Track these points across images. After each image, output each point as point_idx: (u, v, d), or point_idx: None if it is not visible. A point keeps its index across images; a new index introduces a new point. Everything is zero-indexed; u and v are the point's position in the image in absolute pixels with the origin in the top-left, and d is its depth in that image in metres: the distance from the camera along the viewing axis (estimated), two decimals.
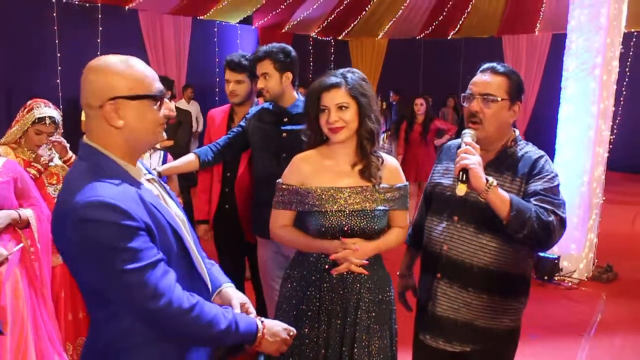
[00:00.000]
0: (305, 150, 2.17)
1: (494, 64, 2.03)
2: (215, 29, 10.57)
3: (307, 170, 2.10)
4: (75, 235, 1.30)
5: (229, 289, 1.70)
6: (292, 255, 2.28)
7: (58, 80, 7.80)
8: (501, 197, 1.81)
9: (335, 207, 2.04)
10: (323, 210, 2.05)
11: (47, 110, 2.83)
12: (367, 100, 2.04)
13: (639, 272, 5.39)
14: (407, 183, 2.21)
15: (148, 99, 1.41)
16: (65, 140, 2.91)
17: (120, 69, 1.39)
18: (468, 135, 1.93)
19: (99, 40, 8.29)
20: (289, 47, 2.83)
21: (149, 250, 1.34)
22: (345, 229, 2.04)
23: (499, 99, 1.97)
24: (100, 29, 8.33)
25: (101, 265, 1.32)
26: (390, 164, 2.17)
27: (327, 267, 2.05)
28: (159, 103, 1.44)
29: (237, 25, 11.07)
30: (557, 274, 5.03)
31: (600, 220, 5.47)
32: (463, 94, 2.05)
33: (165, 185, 1.66)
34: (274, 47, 2.77)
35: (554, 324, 4.19)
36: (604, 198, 5.50)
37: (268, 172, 2.70)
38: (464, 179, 1.79)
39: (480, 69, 2.06)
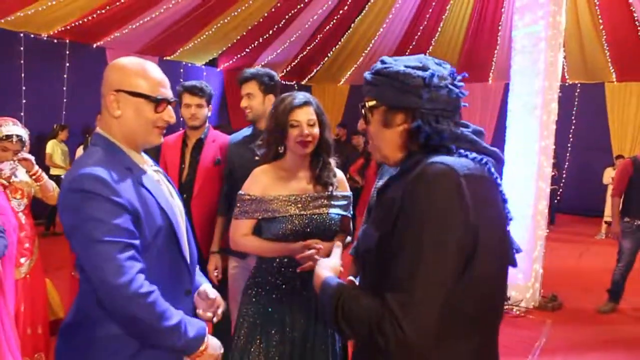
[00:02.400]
0: (261, 164, 2.34)
1: None
2: (182, 70, 10.83)
3: (267, 181, 2.25)
4: (67, 201, 1.47)
5: (206, 285, 1.85)
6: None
7: (22, 113, 7.85)
8: None
9: (298, 211, 2.21)
10: (287, 215, 2.20)
11: (14, 128, 2.95)
12: (325, 118, 2.29)
13: (583, 302, 5.68)
14: (351, 193, 2.43)
15: (147, 99, 1.57)
16: (31, 156, 3.02)
17: (130, 68, 1.59)
18: None
19: (65, 76, 8.42)
20: (274, 72, 3.02)
21: (126, 231, 1.45)
22: (308, 230, 2.20)
23: None
24: (68, 64, 8.47)
25: (81, 231, 1.44)
26: (339, 174, 2.39)
27: (298, 270, 2.15)
28: (158, 106, 1.59)
29: (203, 67, 11.36)
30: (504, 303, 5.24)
31: (549, 256, 5.77)
32: None
33: (169, 180, 1.81)
34: (260, 70, 2.97)
35: (500, 348, 4.36)
36: (548, 234, 5.81)
37: None
38: None
39: None
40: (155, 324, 1.47)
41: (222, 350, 1.69)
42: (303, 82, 13.82)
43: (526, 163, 5.31)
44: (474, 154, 1.29)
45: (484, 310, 1.28)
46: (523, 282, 5.36)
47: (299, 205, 2.22)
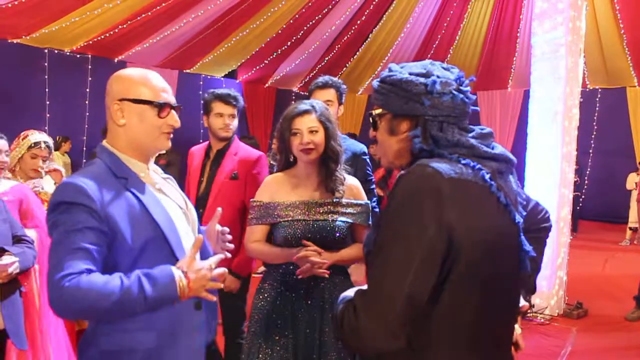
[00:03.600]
0: (275, 172, 2.42)
1: None
2: (201, 82, 10.92)
3: (275, 188, 2.33)
4: (49, 208, 1.54)
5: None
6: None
7: (46, 127, 8.01)
8: None
9: (301, 216, 2.25)
10: (289, 219, 2.25)
11: (41, 136, 3.13)
12: (332, 126, 2.30)
13: (609, 310, 5.59)
14: (369, 202, 2.43)
15: (150, 105, 1.63)
16: (62, 168, 3.12)
17: (132, 77, 1.65)
18: None
19: (87, 90, 8.58)
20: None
21: (87, 237, 1.46)
22: (310, 236, 2.22)
23: None
24: (90, 79, 8.63)
25: (54, 235, 1.51)
26: (352, 182, 2.40)
27: (296, 275, 2.18)
28: (162, 111, 1.64)
29: (222, 79, 11.45)
30: (529, 311, 5.20)
31: (573, 264, 5.70)
32: None
33: (175, 184, 1.85)
34: (335, 79, 3.02)
35: (526, 356, 4.33)
36: (571, 237, 5.74)
37: None
38: None
39: None
40: (102, 304, 1.42)
41: (213, 268, 1.58)
42: None
43: (549, 170, 5.27)
44: (467, 160, 1.29)
45: (487, 318, 1.27)
46: (547, 290, 5.30)
47: (303, 211, 2.26)
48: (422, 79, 1.32)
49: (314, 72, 12.42)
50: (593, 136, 10.90)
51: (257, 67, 11.39)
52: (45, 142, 3.08)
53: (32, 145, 3.03)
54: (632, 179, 9.23)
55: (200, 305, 1.68)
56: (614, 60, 10.21)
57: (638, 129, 10.75)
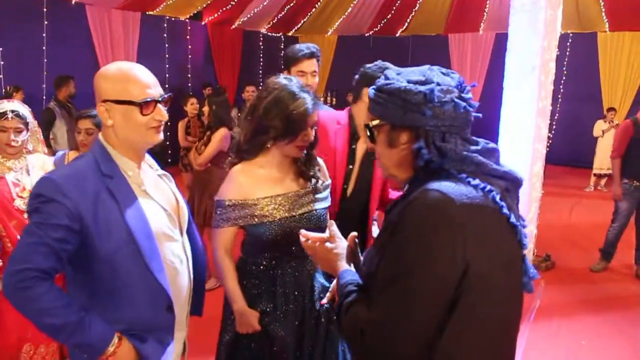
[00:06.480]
0: (235, 162, 2.15)
1: None
2: (165, 25, 10.46)
3: (246, 183, 2.07)
4: (29, 201, 1.57)
5: None
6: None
7: (1, 76, 7.59)
8: None
9: (286, 213, 2.06)
10: (274, 219, 2.04)
11: (7, 105, 2.55)
12: None
13: (575, 261, 5.79)
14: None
15: (132, 105, 1.61)
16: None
17: (112, 76, 1.62)
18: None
19: (44, 35, 8.10)
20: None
21: (57, 231, 1.49)
22: (297, 232, 2.00)
23: None
24: (46, 22, 8.13)
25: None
26: (321, 162, 2.27)
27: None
28: (145, 108, 1.61)
29: (187, 20, 10.97)
30: None
31: (541, 211, 5.82)
32: None
33: (170, 181, 1.85)
34: (315, 47, 2.90)
35: None
36: (543, 192, 5.83)
37: None
38: None
39: None
40: (37, 318, 1.52)
41: None
42: (290, 34, 13.48)
43: (523, 125, 5.25)
44: (477, 181, 1.22)
45: (499, 344, 1.25)
46: (526, 245, 5.39)
47: (286, 207, 2.07)
48: (421, 87, 1.24)
49: (283, 12, 12.02)
50: (562, 81, 10.93)
51: (224, 9, 10.92)
52: (13, 112, 2.49)
53: None
54: (599, 127, 9.35)
55: (172, 307, 1.72)
56: (586, 4, 10.12)
57: (607, 75, 10.82)
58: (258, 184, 2.08)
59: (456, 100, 1.25)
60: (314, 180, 2.14)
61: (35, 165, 2.63)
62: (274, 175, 2.11)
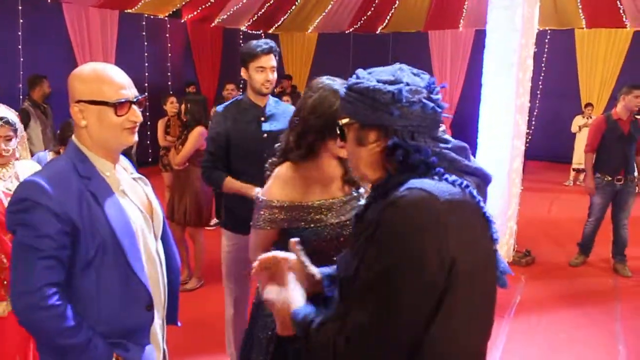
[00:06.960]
0: (281, 162, 2.05)
1: None
2: (144, 23, 10.35)
3: (298, 184, 1.98)
4: (10, 204, 1.56)
5: None
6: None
7: None
8: None
9: (335, 219, 1.98)
10: (324, 224, 1.96)
11: None
12: None
13: (555, 255, 5.86)
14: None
15: (107, 105, 1.60)
16: None
17: (86, 76, 1.61)
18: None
19: (19, 33, 7.97)
20: None
21: (54, 242, 1.48)
22: (341, 239, 1.96)
23: None
24: (22, 21, 8.00)
25: (17, 233, 1.53)
26: None
27: None
28: (120, 109, 1.61)
29: (166, 18, 10.88)
30: None
31: (521, 206, 5.89)
32: None
33: (146, 185, 1.83)
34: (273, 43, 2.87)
35: None
36: (522, 187, 5.90)
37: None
38: None
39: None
40: (56, 339, 1.52)
41: None
42: (270, 31, 13.43)
43: (502, 122, 5.30)
44: (453, 177, 1.22)
45: (482, 337, 1.27)
46: (498, 239, 5.45)
47: (333, 213, 1.98)
48: (389, 87, 1.23)
49: (263, 9, 11.98)
50: (541, 77, 11.05)
51: (204, 6, 10.85)
52: (2, 118, 2.32)
53: None
54: (577, 122, 9.48)
55: (151, 306, 1.72)
56: (563, 1, 10.24)
57: (584, 71, 10.97)
58: (306, 188, 1.99)
59: (424, 100, 1.24)
60: (361, 189, 2.07)
61: (26, 173, 2.40)
62: (320, 180, 2.02)
